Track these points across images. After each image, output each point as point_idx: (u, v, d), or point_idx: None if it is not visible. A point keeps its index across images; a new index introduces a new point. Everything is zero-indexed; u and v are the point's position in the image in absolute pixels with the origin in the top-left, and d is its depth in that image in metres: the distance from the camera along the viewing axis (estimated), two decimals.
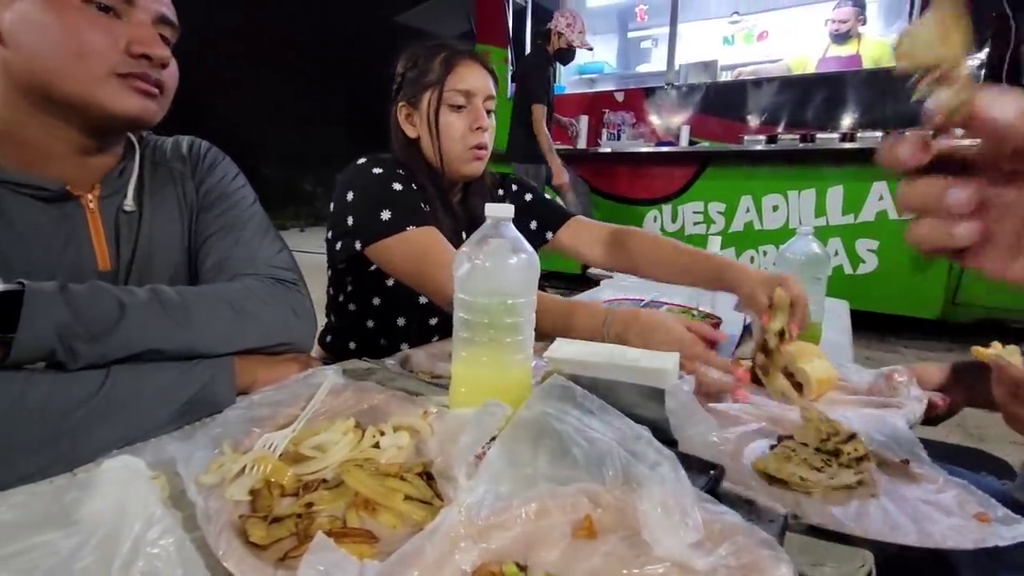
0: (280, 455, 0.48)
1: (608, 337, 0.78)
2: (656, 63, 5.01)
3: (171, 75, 0.67)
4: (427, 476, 0.47)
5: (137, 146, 0.72)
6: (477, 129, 0.98)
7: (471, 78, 0.96)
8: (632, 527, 0.39)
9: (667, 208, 3.58)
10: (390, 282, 1.03)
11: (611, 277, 1.65)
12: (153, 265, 0.69)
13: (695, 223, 3.49)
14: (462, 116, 0.97)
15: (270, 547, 0.38)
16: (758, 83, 3.42)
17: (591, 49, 3.52)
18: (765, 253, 3.30)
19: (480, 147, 0.99)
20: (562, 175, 3.31)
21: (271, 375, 0.63)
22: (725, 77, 3.89)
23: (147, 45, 0.61)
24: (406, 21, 4.56)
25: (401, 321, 1.07)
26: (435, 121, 0.97)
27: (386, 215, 0.91)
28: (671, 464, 0.40)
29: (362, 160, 0.99)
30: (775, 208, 3.23)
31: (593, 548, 0.38)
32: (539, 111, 3.18)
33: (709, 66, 3.83)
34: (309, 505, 0.42)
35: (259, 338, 0.64)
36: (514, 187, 1.20)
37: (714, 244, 1.26)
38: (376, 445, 0.51)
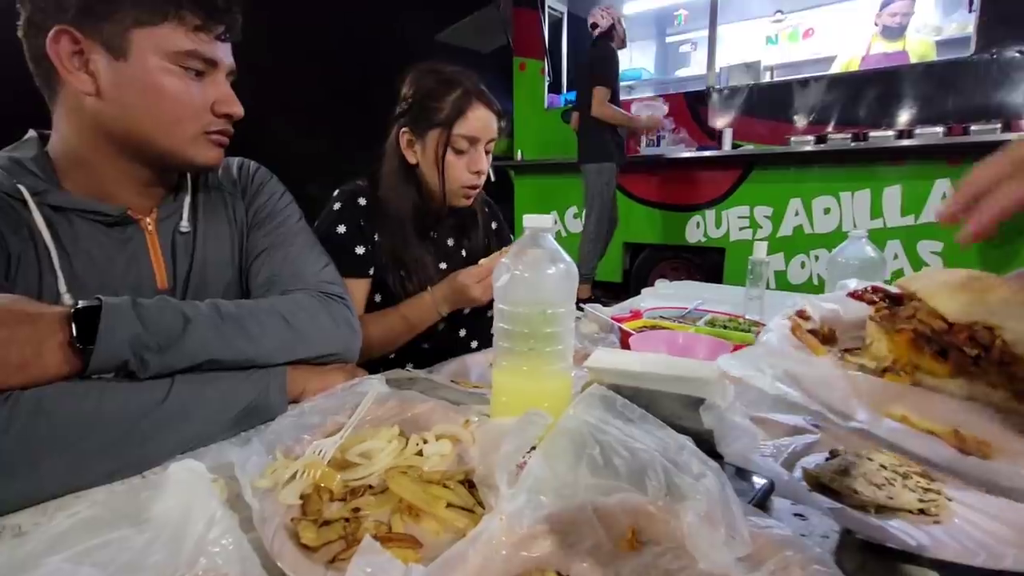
0: (328, 461, 0.50)
1: (441, 305, 0.99)
2: (695, 67, 4.93)
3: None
4: (469, 484, 0.48)
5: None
6: (476, 172, 1.04)
7: (478, 124, 1.01)
8: (676, 539, 0.38)
9: (710, 214, 3.48)
10: (377, 298, 1.07)
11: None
12: (207, 282, 0.73)
13: (740, 228, 3.38)
14: (463, 159, 1.03)
15: (320, 549, 0.40)
16: (804, 82, 3.30)
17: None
18: (817, 258, 3.16)
19: (474, 187, 1.06)
20: (650, 120, 3.30)
21: (320, 384, 0.66)
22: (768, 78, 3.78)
23: (230, 105, 0.68)
24: (447, 40, 4.67)
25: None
26: (441, 161, 1.02)
27: None
28: (716, 475, 0.39)
29: (338, 190, 1.07)
30: (827, 211, 3.10)
31: (636, 560, 0.38)
32: (600, 92, 3.08)
33: (752, 67, 3.73)
34: (356, 510, 0.44)
35: (309, 349, 0.67)
36: (486, 209, 1.24)
37: (760, 250, 1.22)
38: (419, 453, 0.52)
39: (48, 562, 0.35)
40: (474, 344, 1.16)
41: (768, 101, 3.39)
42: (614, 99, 3.16)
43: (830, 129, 3.12)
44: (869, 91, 3.06)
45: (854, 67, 3.45)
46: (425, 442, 0.53)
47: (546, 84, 4.31)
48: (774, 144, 3.24)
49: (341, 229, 1.01)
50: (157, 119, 0.64)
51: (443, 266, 1.12)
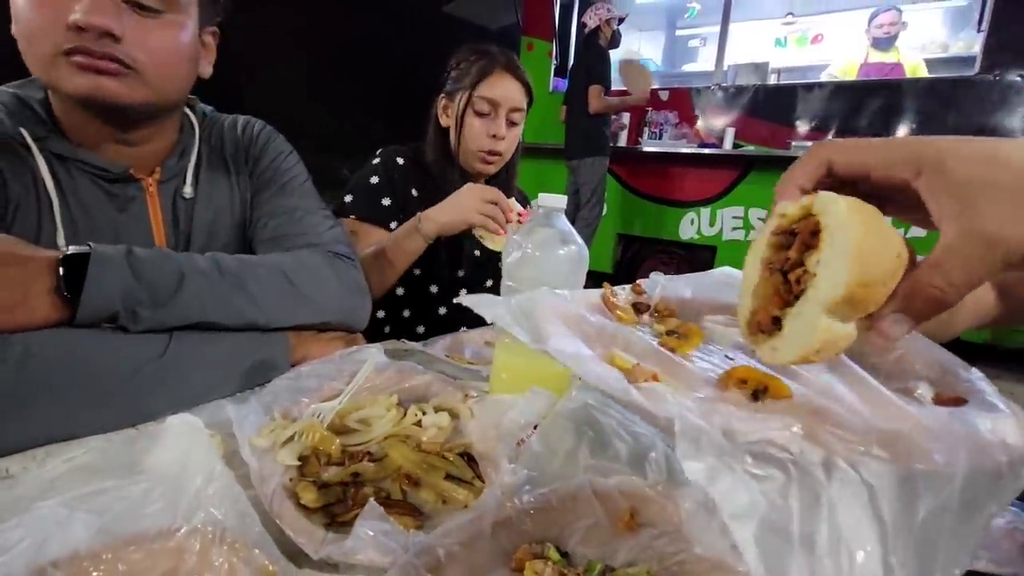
0: (327, 426, 0.50)
1: (426, 234, 0.94)
2: (703, 63, 4.90)
3: (148, 48, 0.59)
4: (467, 457, 0.48)
5: (197, 128, 0.74)
6: (492, 136, 1.07)
7: (499, 88, 1.05)
8: (673, 524, 0.39)
9: (705, 212, 3.50)
10: (417, 271, 1.06)
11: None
12: (209, 246, 0.71)
13: (733, 228, 3.41)
14: (484, 122, 1.07)
15: (319, 511, 0.39)
16: (809, 87, 3.31)
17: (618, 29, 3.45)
18: None
19: (492, 152, 1.08)
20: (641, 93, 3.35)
21: (320, 351, 0.65)
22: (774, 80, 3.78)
23: (84, 15, 0.53)
24: (453, 11, 4.56)
25: (407, 313, 1.11)
26: (461, 121, 1.07)
27: (348, 199, 1.07)
28: None
29: (381, 149, 1.12)
30: None
31: (633, 540, 0.38)
32: (596, 90, 3.15)
33: (760, 68, 3.72)
34: (355, 475, 0.44)
35: (312, 314, 0.65)
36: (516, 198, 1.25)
37: None
38: (418, 424, 0.52)
39: (41, 506, 0.34)
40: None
41: (772, 103, 3.40)
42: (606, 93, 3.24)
43: (830, 136, 3.15)
44: (871, 102, 3.08)
45: (851, 74, 3.47)
46: (424, 413, 0.53)
47: (553, 67, 4.25)
48: (774, 147, 3.25)
49: (374, 180, 1.07)
50: (21, 40, 0.56)
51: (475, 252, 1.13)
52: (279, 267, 0.64)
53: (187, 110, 0.74)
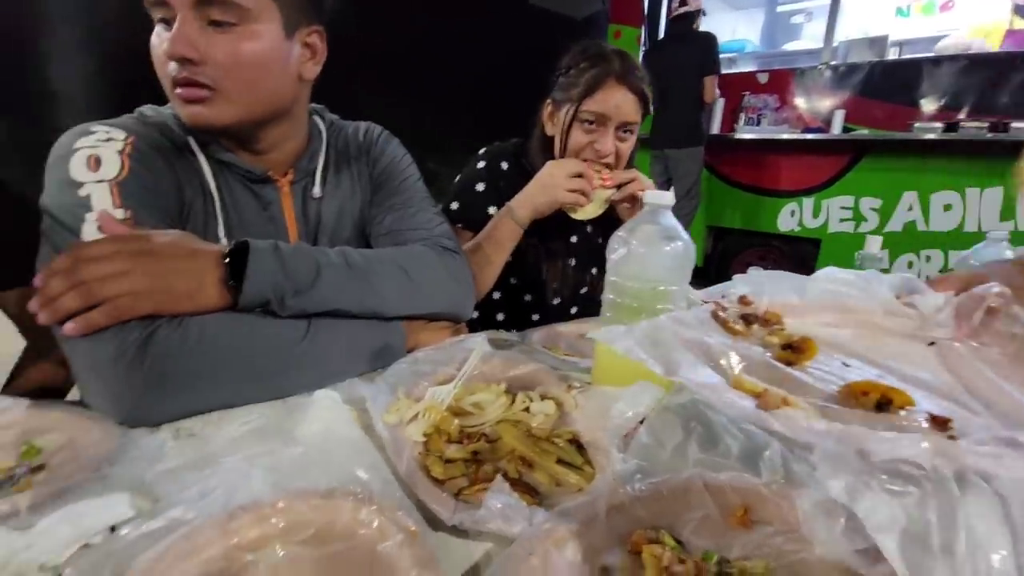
0: (445, 407, 0.54)
1: (520, 220, 0.94)
2: (808, 40, 4.53)
3: (224, 65, 0.61)
4: (575, 445, 0.50)
5: (324, 134, 0.82)
6: (598, 152, 1.00)
7: (609, 104, 0.98)
8: (789, 524, 0.39)
9: (808, 202, 3.25)
10: (512, 280, 1.09)
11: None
12: (334, 241, 0.79)
13: (841, 219, 3.13)
14: (590, 137, 1.00)
15: (446, 483, 0.43)
16: (937, 61, 2.95)
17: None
18: (928, 259, 2.88)
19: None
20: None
21: (430, 339, 0.71)
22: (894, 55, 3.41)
23: (170, 46, 0.59)
24: (537, 2, 4.56)
25: (496, 295, 1.12)
26: (566, 134, 1.01)
27: (454, 206, 1.07)
28: None
29: (483, 149, 1.11)
30: (947, 207, 2.80)
31: (747, 537, 0.39)
32: (714, 79, 3.08)
33: (876, 42, 3.37)
34: (475, 453, 0.47)
35: (425, 303, 0.71)
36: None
37: (873, 244, 1.14)
38: (526, 410, 0.55)
39: (227, 460, 0.41)
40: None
41: (891, 81, 3.07)
42: None
43: (962, 116, 2.79)
44: (1014, 76, 2.69)
45: (994, 43, 3.04)
46: (531, 400, 0.56)
47: (641, 53, 4.13)
48: (892, 130, 2.95)
49: (480, 187, 1.07)
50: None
51: (573, 239, 1.14)
52: (396, 261, 0.70)
53: (316, 117, 0.82)
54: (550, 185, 0.94)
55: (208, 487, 0.38)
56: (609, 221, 1.13)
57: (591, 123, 0.99)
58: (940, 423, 0.38)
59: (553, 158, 1.05)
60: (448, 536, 0.39)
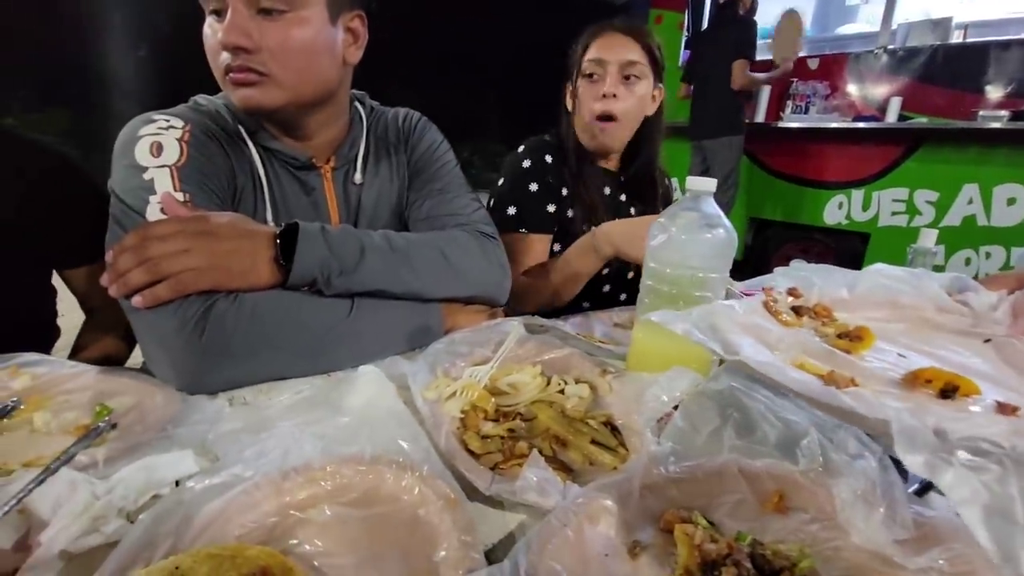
0: (482, 386, 0.56)
1: (602, 255, 0.90)
2: (863, 23, 4.30)
3: (275, 52, 0.64)
4: (609, 427, 0.51)
5: (365, 120, 0.84)
6: (602, 97, 0.98)
7: (605, 47, 0.98)
8: (825, 512, 0.39)
9: (858, 194, 3.11)
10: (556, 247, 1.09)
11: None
12: (373, 225, 0.81)
13: (894, 213, 2.98)
14: (593, 85, 0.99)
15: (483, 457, 0.45)
16: (1006, 45, 2.76)
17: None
18: (988, 255, 2.72)
19: (604, 117, 1.00)
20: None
21: (466, 321, 0.72)
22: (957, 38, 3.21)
23: (224, 35, 0.62)
24: None
25: None
26: (575, 94, 1.02)
27: (511, 211, 1.03)
28: (879, 459, 0.38)
29: (522, 147, 1.08)
30: (1011, 201, 2.63)
31: (782, 522, 0.39)
32: (743, 64, 2.94)
33: (940, 24, 3.17)
34: (511, 430, 0.49)
35: (463, 286, 0.73)
36: (667, 181, 1.20)
37: (927, 238, 1.09)
38: (561, 391, 0.56)
39: (282, 425, 0.44)
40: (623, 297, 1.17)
41: (954, 66, 2.90)
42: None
43: None
44: None
45: None
46: (566, 383, 0.57)
47: (683, 39, 4.02)
48: (954, 118, 2.78)
49: (533, 187, 1.03)
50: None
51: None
52: (436, 245, 0.72)
53: (357, 104, 0.84)
54: (640, 243, 0.83)
55: (264, 449, 0.40)
56: None
57: (592, 76, 1.00)
58: (1009, 410, 0.37)
59: (573, 132, 1.06)
60: (484, 507, 0.40)
